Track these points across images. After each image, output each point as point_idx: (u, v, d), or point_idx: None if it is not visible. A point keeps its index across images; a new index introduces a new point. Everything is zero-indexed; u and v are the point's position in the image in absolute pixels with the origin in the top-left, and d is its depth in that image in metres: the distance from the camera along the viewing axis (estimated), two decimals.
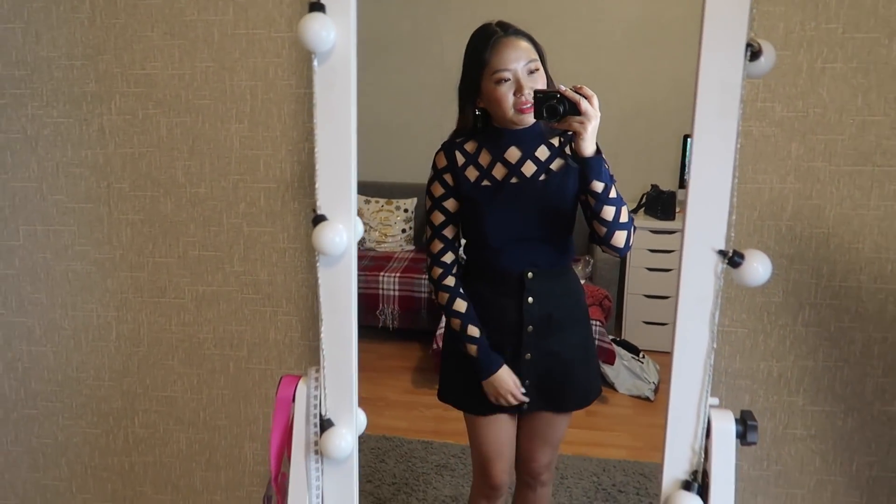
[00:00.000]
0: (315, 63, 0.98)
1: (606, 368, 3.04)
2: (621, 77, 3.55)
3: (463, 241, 1.46)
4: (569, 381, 1.44)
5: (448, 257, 1.41)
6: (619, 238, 1.30)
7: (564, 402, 1.46)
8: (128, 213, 1.57)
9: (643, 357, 3.23)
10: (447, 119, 1.44)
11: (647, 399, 3.04)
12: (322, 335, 1.05)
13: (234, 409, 1.63)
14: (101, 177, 1.56)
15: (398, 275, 3.47)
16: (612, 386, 3.08)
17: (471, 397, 1.44)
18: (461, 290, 1.40)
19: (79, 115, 1.54)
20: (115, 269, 1.60)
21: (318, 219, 1.01)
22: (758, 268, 0.94)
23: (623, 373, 3.15)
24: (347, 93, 0.98)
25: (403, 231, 3.77)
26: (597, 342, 2.94)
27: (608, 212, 1.28)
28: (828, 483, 1.46)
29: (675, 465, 1.01)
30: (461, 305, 1.39)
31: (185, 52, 1.48)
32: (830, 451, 1.45)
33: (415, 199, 3.75)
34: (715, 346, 0.97)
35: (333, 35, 0.95)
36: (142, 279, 1.59)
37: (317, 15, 0.94)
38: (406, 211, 3.79)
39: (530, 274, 1.37)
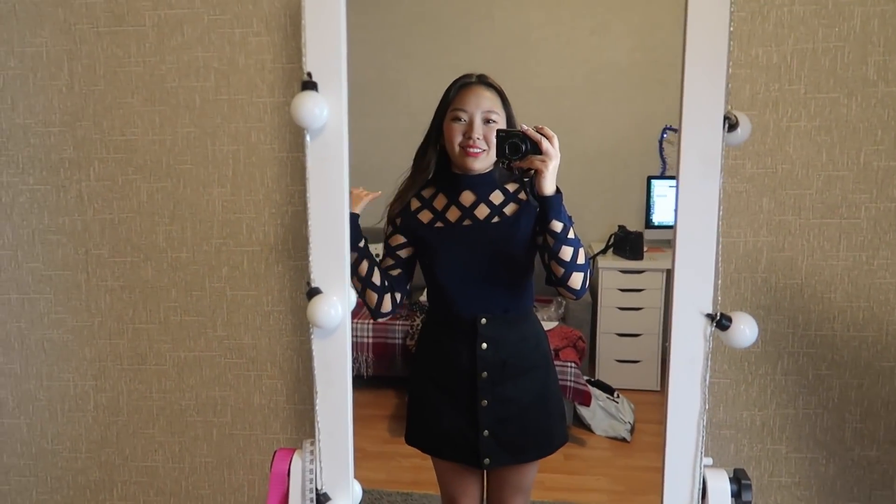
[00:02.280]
0: (307, 138, 0.99)
1: (583, 410, 3.04)
2: (585, 121, 3.63)
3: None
4: (528, 427, 1.44)
5: (376, 278, 1.39)
6: (576, 280, 1.30)
7: (526, 450, 1.45)
8: (107, 279, 1.54)
9: (618, 396, 3.24)
10: None
11: (624, 440, 3.04)
12: (317, 408, 1.05)
13: (218, 477, 1.59)
14: (79, 243, 1.54)
15: (371, 322, 3.45)
16: (588, 428, 3.08)
17: (434, 441, 1.45)
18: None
19: (56, 182, 1.52)
20: (93, 337, 1.56)
21: (313, 292, 1.01)
22: (745, 330, 0.97)
23: (599, 413, 3.16)
24: (340, 166, 1.00)
25: None
26: (572, 384, 2.94)
27: (566, 252, 1.29)
28: None
29: None
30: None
31: (165, 118, 1.48)
32: (815, 497, 1.47)
33: None
34: (707, 407, 0.99)
35: (326, 112, 0.97)
36: (121, 346, 1.56)
37: (309, 93, 0.96)
38: (378, 255, 3.78)
39: (483, 320, 1.37)
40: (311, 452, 1.06)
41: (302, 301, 1.50)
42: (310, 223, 1.01)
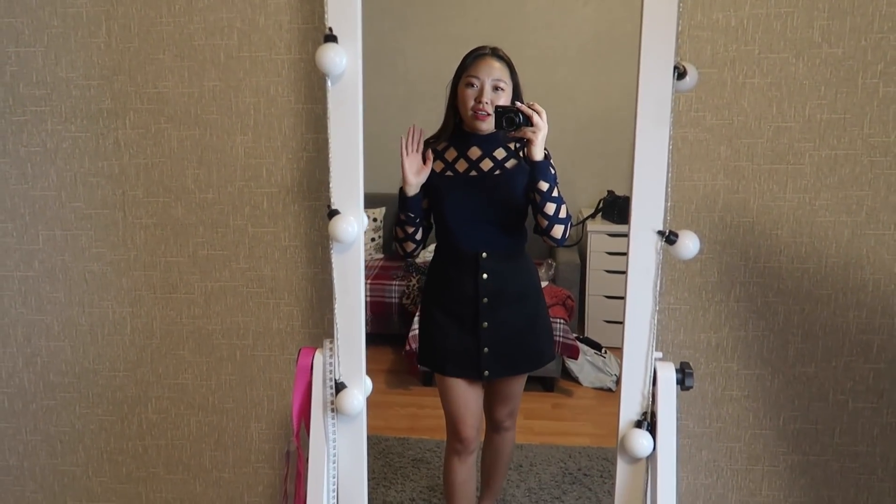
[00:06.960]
0: (329, 84, 1.18)
1: (571, 363, 3.25)
2: (577, 89, 3.77)
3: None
4: (521, 345, 1.70)
5: (419, 235, 1.66)
6: (558, 230, 1.56)
7: (519, 365, 1.73)
8: (141, 217, 1.74)
9: (605, 352, 3.45)
10: None
11: (609, 390, 3.25)
12: (335, 311, 1.25)
13: (241, 393, 1.80)
14: (116, 185, 1.73)
15: (369, 281, 3.62)
16: (576, 380, 3.29)
17: (442, 359, 1.68)
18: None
19: (95, 130, 1.71)
20: (129, 269, 1.76)
21: (333, 213, 1.21)
22: (688, 244, 1.18)
23: (586, 367, 3.36)
24: (356, 108, 1.19)
25: (373, 240, 3.93)
26: (561, 339, 3.16)
27: (550, 207, 1.54)
28: (760, 436, 1.71)
29: (629, 408, 1.24)
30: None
31: (193, 73, 1.66)
32: (761, 408, 1.69)
33: (383, 209, 3.92)
34: (657, 308, 1.20)
35: (345, 61, 1.16)
36: (154, 277, 1.76)
37: (331, 45, 1.15)
38: (375, 220, 3.95)
39: (484, 254, 1.61)
40: (331, 349, 1.27)
41: (315, 237, 1.70)
42: (330, 155, 1.20)
